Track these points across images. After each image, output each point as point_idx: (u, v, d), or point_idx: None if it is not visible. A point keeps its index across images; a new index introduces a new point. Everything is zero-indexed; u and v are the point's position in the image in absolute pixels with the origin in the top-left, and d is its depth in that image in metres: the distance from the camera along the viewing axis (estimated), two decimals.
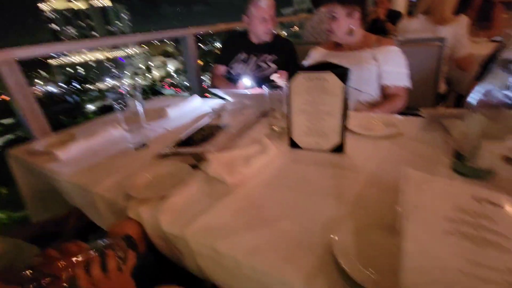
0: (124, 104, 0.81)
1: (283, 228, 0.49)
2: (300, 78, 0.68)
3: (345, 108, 0.67)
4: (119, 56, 45.33)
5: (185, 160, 0.73)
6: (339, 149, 0.72)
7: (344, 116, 0.68)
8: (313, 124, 0.71)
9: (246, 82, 1.42)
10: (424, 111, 0.84)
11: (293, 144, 0.77)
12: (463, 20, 1.61)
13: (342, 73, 0.64)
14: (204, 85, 2.13)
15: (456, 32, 1.59)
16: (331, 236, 0.44)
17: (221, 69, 1.71)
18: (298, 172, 0.66)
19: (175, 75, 39.56)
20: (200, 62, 2.11)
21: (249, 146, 0.75)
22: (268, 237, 0.47)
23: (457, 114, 0.75)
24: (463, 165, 0.57)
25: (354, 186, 0.58)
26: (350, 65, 1.20)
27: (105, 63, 44.86)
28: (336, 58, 1.17)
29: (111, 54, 45.51)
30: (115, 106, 0.81)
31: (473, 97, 0.53)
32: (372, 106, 1.20)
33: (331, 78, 0.64)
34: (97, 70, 44.14)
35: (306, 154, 0.74)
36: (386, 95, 1.22)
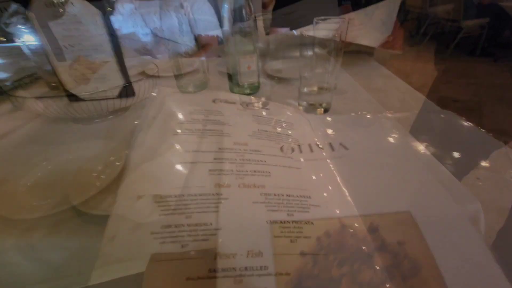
0: None
1: None
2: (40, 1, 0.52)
3: (115, 41, 0.58)
4: None
5: None
6: (127, 92, 0.64)
7: (118, 51, 0.59)
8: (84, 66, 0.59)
9: None
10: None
11: (72, 97, 0.63)
12: None
13: None
14: None
15: None
16: None
17: None
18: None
19: None
20: None
21: None
22: None
23: None
24: (234, 84, 0.62)
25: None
26: (156, 13, 1.09)
27: None
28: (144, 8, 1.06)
29: None
30: None
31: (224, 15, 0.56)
32: (191, 56, 1.18)
33: (77, 1, 0.53)
34: None
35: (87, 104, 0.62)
36: (201, 45, 1.22)
